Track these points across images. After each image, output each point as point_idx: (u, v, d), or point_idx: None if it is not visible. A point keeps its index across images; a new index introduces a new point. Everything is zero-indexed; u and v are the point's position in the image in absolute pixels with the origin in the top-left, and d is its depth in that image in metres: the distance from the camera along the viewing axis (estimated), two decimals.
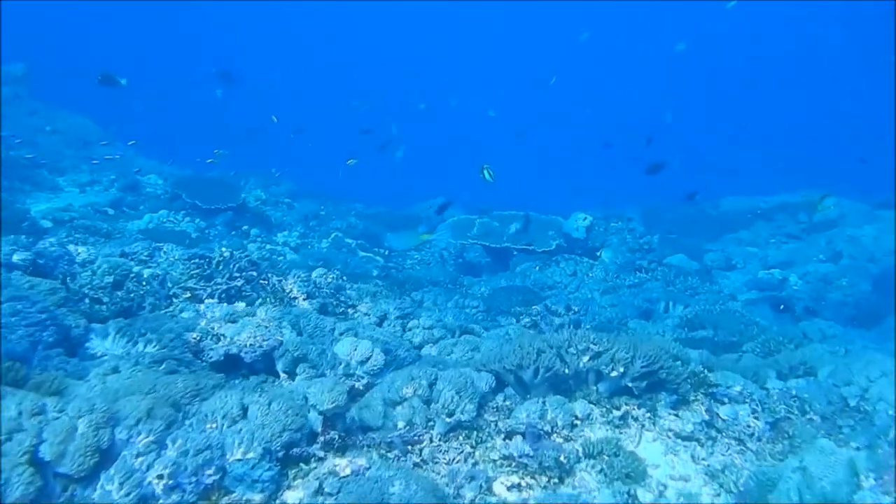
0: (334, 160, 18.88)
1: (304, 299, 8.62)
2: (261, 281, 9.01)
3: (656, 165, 13.99)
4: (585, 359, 5.46)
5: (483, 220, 16.24)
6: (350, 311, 9.17)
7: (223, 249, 9.55)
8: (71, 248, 8.59)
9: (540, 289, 13.64)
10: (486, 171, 12.43)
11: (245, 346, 6.04)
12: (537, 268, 14.14)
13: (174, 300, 8.21)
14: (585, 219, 16.19)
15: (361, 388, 6.07)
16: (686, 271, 16.21)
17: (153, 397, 4.35)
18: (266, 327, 6.34)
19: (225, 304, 8.25)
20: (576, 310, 12.21)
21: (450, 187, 22.15)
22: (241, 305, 8.30)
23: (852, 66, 61.53)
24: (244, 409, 4.45)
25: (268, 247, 15.45)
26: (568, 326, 11.94)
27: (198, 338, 6.15)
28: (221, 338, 6.21)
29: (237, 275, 8.95)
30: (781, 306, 14.58)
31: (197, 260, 9.25)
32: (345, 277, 10.79)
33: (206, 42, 64.27)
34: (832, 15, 56.65)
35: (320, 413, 4.71)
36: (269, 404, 4.44)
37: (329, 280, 10.20)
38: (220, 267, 9.11)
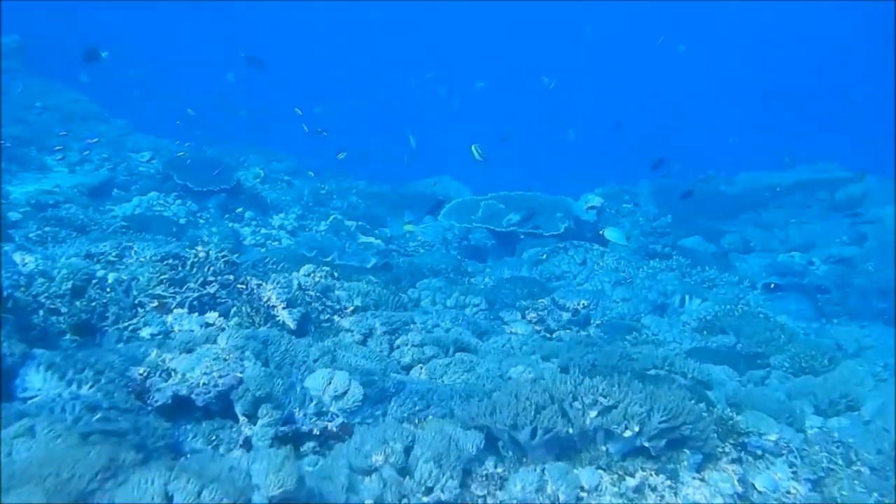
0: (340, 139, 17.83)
1: (283, 308, 7.67)
2: (238, 285, 8.08)
3: (660, 160, 14.51)
4: (593, 414, 4.50)
5: (488, 201, 15.25)
6: (336, 318, 8.23)
7: (199, 248, 8.64)
8: (18, 257, 7.65)
9: (547, 279, 12.69)
10: (475, 150, 12.51)
11: (197, 385, 5.12)
12: (544, 255, 13.16)
13: (140, 310, 7.30)
14: (596, 200, 15.17)
15: (335, 429, 5.18)
16: (702, 255, 15.22)
17: (52, 485, 3.43)
18: (225, 359, 5.41)
19: (196, 315, 7.37)
20: (585, 304, 11.27)
21: (456, 165, 21.08)
22: (213, 316, 7.41)
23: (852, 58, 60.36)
24: (168, 500, 3.53)
25: (262, 231, 14.52)
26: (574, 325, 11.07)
27: (145, 374, 5.23)
28: (172, 374, 5.28)
29: (212, 279, 8.05)
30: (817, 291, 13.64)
31: (170, 261, 8.33)
32: (335, 273, 9.85)
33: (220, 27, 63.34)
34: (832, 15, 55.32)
35: (267, 499, 3.78)
36: (200, 493, 3.52)
37: (317, 279, 9.28)
38: (195, 269, 8.19)
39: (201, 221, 14.28)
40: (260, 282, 8.26)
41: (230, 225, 14.16)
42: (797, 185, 18.89)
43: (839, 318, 12.82)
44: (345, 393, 5.36)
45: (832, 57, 61.91)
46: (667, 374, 6.80)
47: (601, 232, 14.37)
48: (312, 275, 9.34)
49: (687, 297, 11.48)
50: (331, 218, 15.75)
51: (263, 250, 13.70)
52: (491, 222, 14.81)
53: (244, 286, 8.09)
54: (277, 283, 7.88)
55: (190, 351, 5.63)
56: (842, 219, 17.05)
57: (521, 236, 14.71)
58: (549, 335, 10.49)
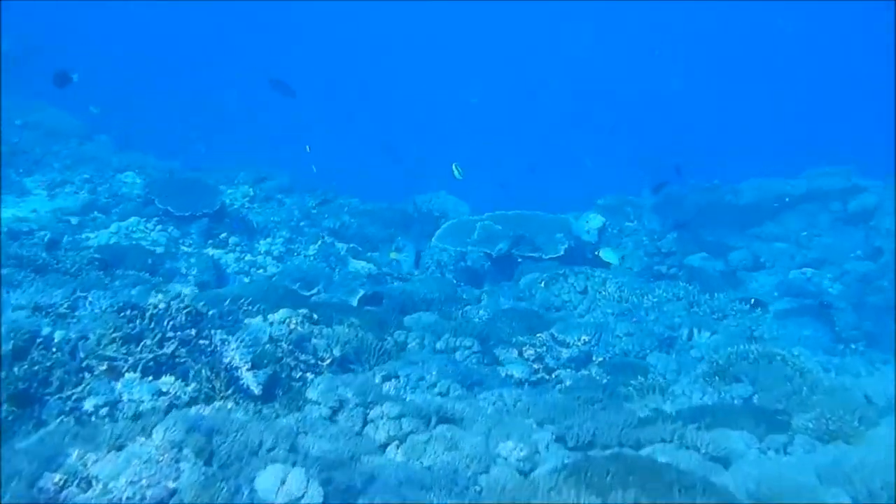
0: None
1: (248, 369, 6.80)
2: (201, 341, 7.21)
3: (661, 185, 14.67)
4: None
5: (484, 222, 14.37)
6: (310, 375, 7.35)
7: (159, 298, 7.78)
8: None
9: (546, 309, 11.80)
10: (455, 169, 12.48)
11: (120, 501, 4.25)
12: (543, 283, 12.27)
13: (87, 375, 6.46)
14: (597, 219, 14.28)
15: None
16: (709, 275, 14.32)
17: None
18: (158, 461, 4.55)
19: (150, 380, 6.53)
20: (586, 340, 10.39)
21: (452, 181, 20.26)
22: (168, 381, 6.57)
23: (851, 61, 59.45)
24: None
25: (248, 257, 13.66)
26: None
27: (61, 483, 4.37)
28: (93, 483, 4.43)
29: (171, 335, 7.18)
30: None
31: (127, 312, 7.46)
32: (315, 316, 8.98)
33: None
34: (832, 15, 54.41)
35: None
36: None
37: (292, 327, 8.40)
38: (153, 323, 7.33)
39: (184, 248, 13.43)
40: (225, 336, 7.40)
41: (212, 253, 13.30)
42: (808, 195, 17.93)
43: (857, 343, 11.93)
44: (300, 497, 4.50)
45: (832, 57, 60.94)
46: (678, 446, 5.92)
47: (597, 252, 13.54)
48: (288, 321, 8.47)
49: (695, 331, 10.59)
50: (319, 242, 14.87)
51: (248, 279, 12.86)
52: (487, 245, 13.94)
53: (207, 342, 7.23)
54: (241, 342, 7.00)
55: (119, 448, 4.77)
56: (855, 231, 16.11)
57: (519, 259, 13.84)
58: (547, 375, 9.64)
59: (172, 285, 10.99)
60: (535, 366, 9.84)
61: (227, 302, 9.17)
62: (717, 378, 8.23)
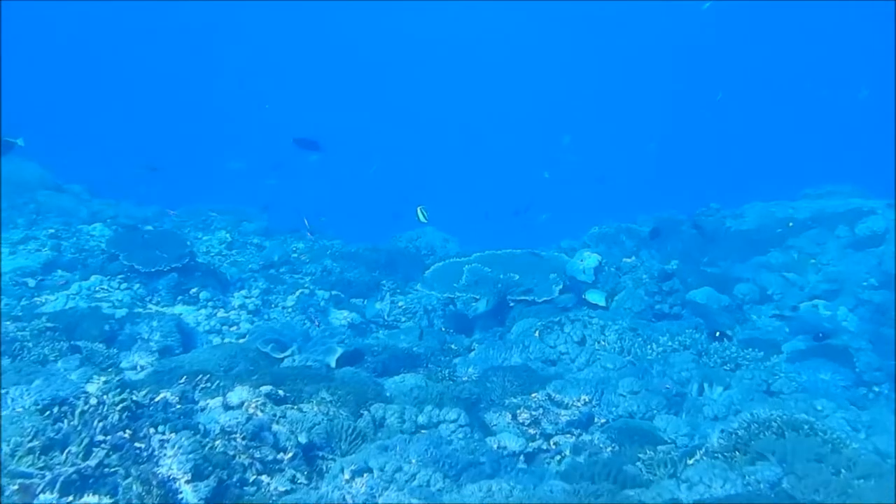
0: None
1: (187, 481, 5.67)
2: (136, 444, 6.08)
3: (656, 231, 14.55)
4: None
5: (473, 265, 13.26)
6: (265, 479, 6.21)
7: (96, 386, 6.69)
8: None
9: (543, 362, 10.67)
10: (420, 212, 12.17)
11: None
12: (537, 333, 11.14)
13: None
14: (592, 258, 13.17)
15: None
16: (715, 312, 13.21)
17: None
18: None
19: (70, 500, 5.43)
20: (586, 400, 9.27)
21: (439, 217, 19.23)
22: (91, 501, 5.46)
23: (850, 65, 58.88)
24: None
25: (220, 313, 12.53)
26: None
27: None
28: None
29: (102, 438, 6.04)
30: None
31: (54, 410, 6.36)
32: (282, 391, 7.87)
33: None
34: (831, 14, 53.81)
35: None
36: None
37: (250, 412, 7.26)
38: (82, 425, 6.21)
39: (151, 307, 12.31)
40: (167, 435, 6.26)
41: (180, 311, 12.18)
42: (813, 220, 16.83)
43: (880, 386, 10.83)
44: None
45: (831, 57, 60.33)
46: None
47: (584, 296, 12.55)
48: (246, 405, 7.32)
49: (706, 385, 9.47)
50: (298, 292, 13.74)
51: (219, 339, 11.73)
52: (476, 290, 12.82)
53: (144, 445, 6.10)
54: (180, 448, 5.86)
55: None
56: (866, 257, 14.98)
57: (511, 303, 12.72)
58: (545, 444, 8.53)
59: (129, 355, 9.90)
60: (532, 431, 8.74)
61: (183, 380, 8.09)
62: (737, 454, 7.09)
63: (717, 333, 11.62)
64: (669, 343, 10.49)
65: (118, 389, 6.57)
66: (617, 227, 19.82)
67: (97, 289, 12.23)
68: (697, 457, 7.47)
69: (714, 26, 55.74)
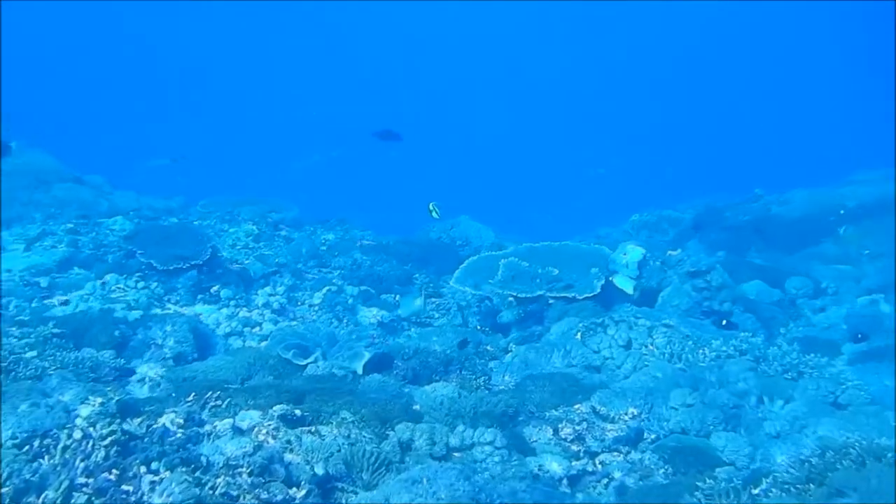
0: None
1: None
2: (123, 486, 5.22)
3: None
4: None
5: (509, 260, 12.26)
6: None
7: (83, 416, 5.83)
8: None
9: (585, 369, 9.67)
10: (432, 209, 11.86)
11: None
12: (579, 335, 10.15)
13: None
14: (636, 251, 12.13)
15: None
16: (768, 309, 12.15)
17: None
18: None
19: None
20: (634, 413, 8.28)
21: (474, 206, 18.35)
22: None
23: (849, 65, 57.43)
24: None
25: (242, 313, 11.67)
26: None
27: None
28: None
29: (83, 481, 5.19)
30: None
31: (34, 444, 5.55)
32: (298, 411, 6.98)
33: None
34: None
35: None
36: None
37: (261, 439, 6.38)
38: (62, 462, 5.36)
39: (170, 307, 11.49)
40: (160, 475, 5.39)
41: (200, 311, 11.34)
42: (864, 207, 15.63)
43: None
44: None
45: (832, 57, 58.90)
46: None
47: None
48: (256, 431, 6.43)
49: (766, 398, 8.43)
50: (325, 289, 12.84)
51: (239, 342, 10.87)
52: (513, 286, 11.84)
53: (132, 488, 5.22)
54: (169, 496, 4.98)
55: None
56: None
57: (550, 300, 11.72)
58: (591, 464, 7.59)
59: (139, 364, 9.06)
60: (575, 448, 7.81)
61: (191, 398, 7.22)
62: (811, 486, 6.07)
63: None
64: (724, 348, 9.43)
65: (108, 419, 5.69)
66: (658, 215, 18.78)
67: (113, 288, 11.43)
68: (764, 486, 6.47)
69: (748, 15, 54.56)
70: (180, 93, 57.00)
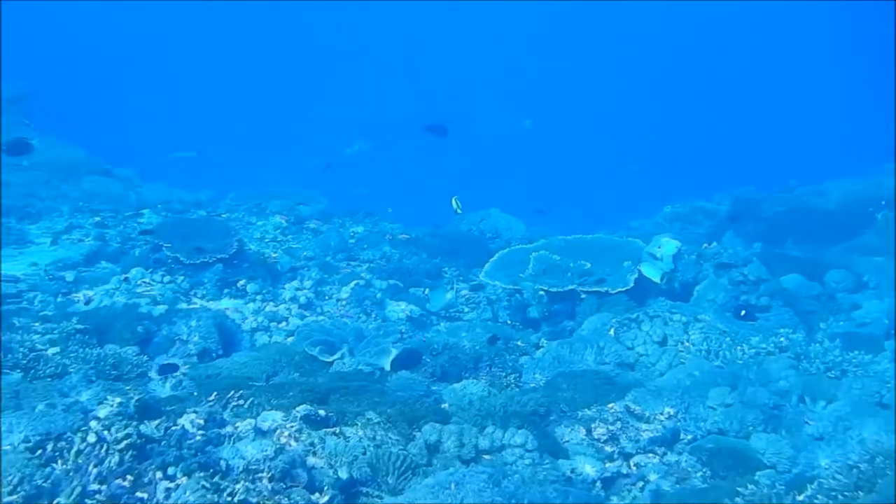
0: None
1: None
2: (137, 493, 4.99)
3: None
4: None
5: (540, 253, 11.94)
6: None
7: (101, 417, 5.60)
8: None
9: (618, 366, 9.33)
10: (454, 203, 11.45)
11: None
12: (612, 331, 9.82)
13: None
14: (670, 244, 11.75)
15: None
16: (809, 303, 11.74)
17: None
18: None
19: None
20: (670, 413, 7.95)
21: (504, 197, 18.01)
22: None
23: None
24: None
25: (269, 307, 11.43)
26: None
27: None
28: None
29: (96, 488, 4.98)
30: None
31: (48, 448, 5.34)
32: (322, 412, 6.71)
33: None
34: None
35: None
36: None
37: (282, 442, 6.13)
38: (75, 466, 5.15)
39: (196, 301, 11.28)
40: (176, 480, 5.15)
41: (226, 306, 11.12)
42: None
43: None
44: None
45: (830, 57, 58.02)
46: None
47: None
48: (279, 433, 6.18)
49: (808, 398, 8.06)
50: (353, 283, 12.57)
51: (265, 338, 10.63)
52: (544, 280, 11.52)
53: (146, 496, 4.98)
54: (183, 501, 4.74)
55: None
56: None
57: (582, 294, 11.39)
58: (625, 466, 7.27)
59: (164, 360, 8.82)
60: (609, 448, 7.48)
61: (213, 398, 6.99)
62: (860, 494, 5.71)
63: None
64: (763, 344, 9.06)
65: (125, 421, 5.45)
66: (692, 207, 18.32)
67: (138, 282, 11.24)
68: (809, 492, 6.11)
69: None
70: (212, 86, 57.08)
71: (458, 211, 11.69)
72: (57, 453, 5.16)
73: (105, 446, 5.15)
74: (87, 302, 10.10)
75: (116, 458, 5.06)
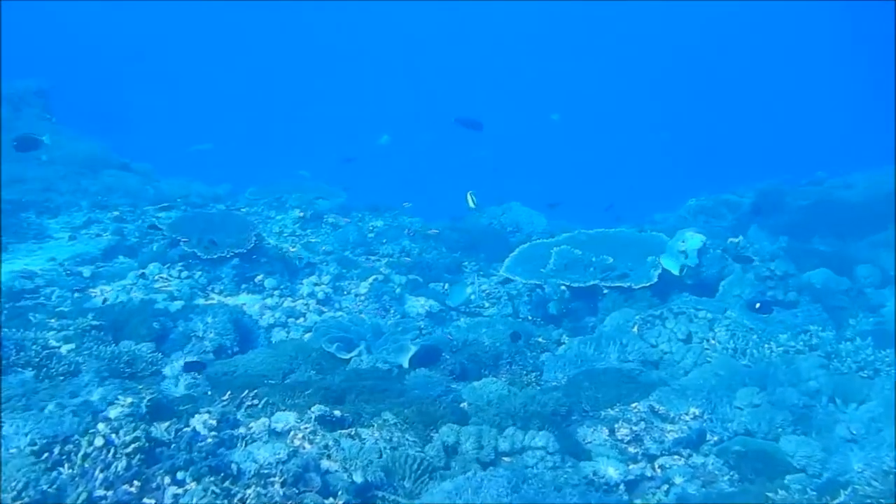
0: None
1: None
2: (144, 500, 4.82)
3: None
4: None
5: (562, 248, 11.70)
6: None
7: (101, 427, 5.44)
8: None
9: (643, 364, 9.09)
10: (469, 198, 11.50)
11: None
12: (636, 328, 9.57)
13: None
14: (695, 238, 11.47)
15: None
16: (839, 300, 11.43)
17: None
18: None
19: None
20: (696, 413, 7.70)
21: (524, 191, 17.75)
22: None
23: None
24: None
25: (287, 303, 11.27)
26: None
27: None
28: None
29: (102, 494, 4.81)
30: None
31: (55, 451, 5.19)
32: (337, 413, 6.53)
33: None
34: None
35: None
36: None
37: (296, 444, 5.94)
38: (82, 470, 5.00)
39: (213, 296, 11.13)
40: (185, 486, 4.98)
41: (243, 301, 10.96)
42: None
43: None
44: None
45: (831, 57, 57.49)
46: None
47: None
48: (293, 435, 6.00)
49: (839, 399, 7.78)
50: (371, 278, 12.39)
51: (283, 334, 10.46)
52: (566, 275, 11.29)
53: (153, 502, 4.81)
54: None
55: None
56: None
57: (605, 290, 11.14)
58: (649, 468, 7.03)
59: (180, 357, 8.64)
60: (632, 450, 7.26)
61: (227, 397, 6.82)
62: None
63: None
64: (791, 343, 8.79)
65: (133, 424, 5.28)
66: (716, 200, 17.95)
67: (156, 277, 11.10)
68: (842, 498, 5.87)
69: None
70: (234, 81, 57.19)
71: (473, 206, 11.55)
72: (64, 457, 5.00)
73: (113, 450, 4.98)
74: (104, 301, 9.94)
75: (124, 462, 4.89)
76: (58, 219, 13.34)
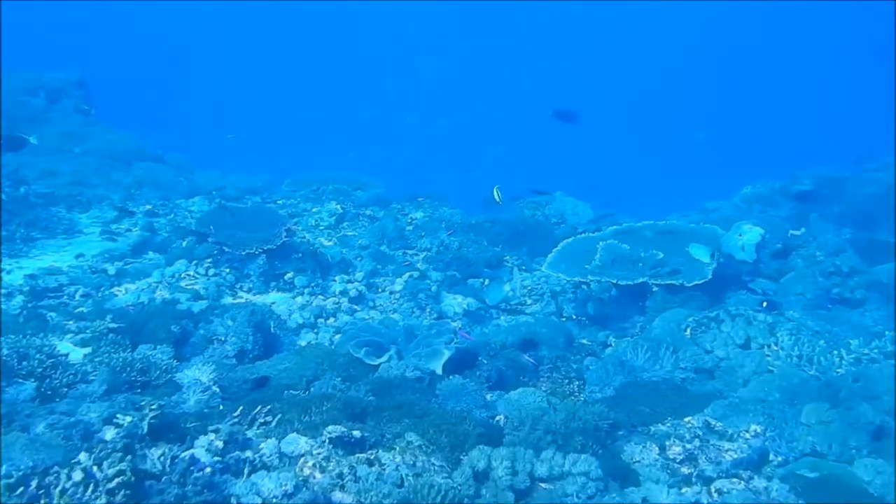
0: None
1: None
2: None
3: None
4: None
5: (608, 242, 10.89)
6: None
7: (82, 457, 4.83)
8: None
9: (695, 372, 8.27)
10: (495, 192, 10.95)
11: None
12: (688, 331, 8.75)
13: None
14: (753, 231, 10.59)
15: None
16: None
17: None
18: None
19: None
20: (757, 430, 6.88)
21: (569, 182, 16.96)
22: None
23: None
24: None
25: (317, 301, 10.64)
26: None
27: None
28: None
29: None
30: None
31: (32, 485, 4.60)
32: (357, 433, 5.86)
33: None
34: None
35: None
36: None
37: (307, 472, 5.28)
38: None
39: (242, 294, 10.57)
40: None
41: (270, 301, 10.36)
42: None
43: None
44: None
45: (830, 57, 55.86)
46: None
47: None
48: (302, 463, 5.33)
49: None
50: (406, 275, 11.71)
51: (311, 335, 9.84)
52: (612, 272, 10.48)
53: None
54: None
55: None
56: None
57: (654, 288, 10.32)
58: (705, 495, 6.25)
59: (199, 362, 8.03)
60: (685, 470, 6.48)
61: (238, 413, 6.19)
62: None
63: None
64: (864, 350, 7.91)
65: (119, 454, 4.64)
66: (772, 187, 16.91)
67: (182, 275, 10.56)
68: None
69: None
70: (275, 72, 57.33)
71: (499, 201, 11.08)
72: (42, 491, 4.40)
73: (93, 485, 4.36)
74: (127, 304, 9.41)
75: (103, 500, 4.27)
76: (89, 213, 12.90)
